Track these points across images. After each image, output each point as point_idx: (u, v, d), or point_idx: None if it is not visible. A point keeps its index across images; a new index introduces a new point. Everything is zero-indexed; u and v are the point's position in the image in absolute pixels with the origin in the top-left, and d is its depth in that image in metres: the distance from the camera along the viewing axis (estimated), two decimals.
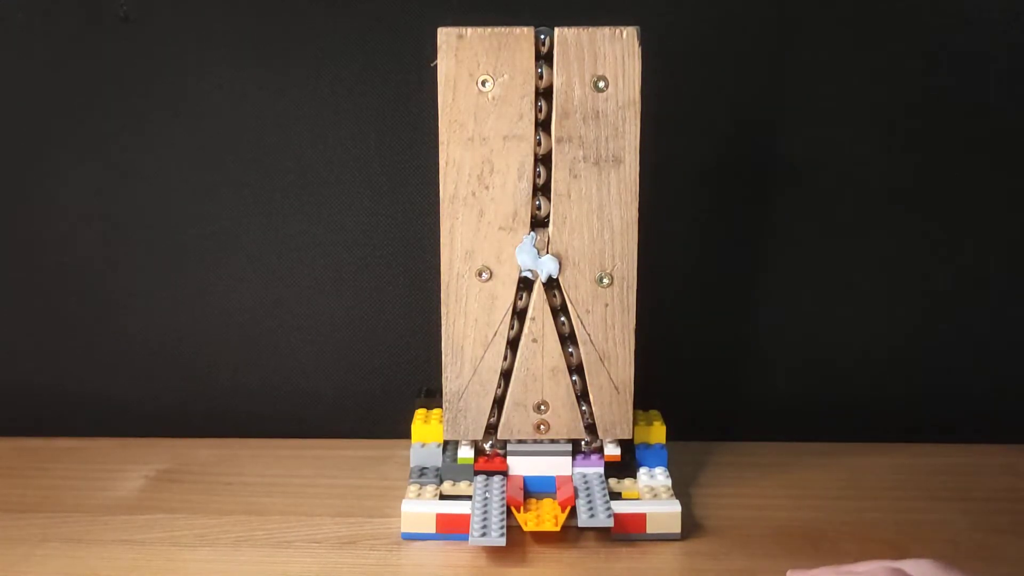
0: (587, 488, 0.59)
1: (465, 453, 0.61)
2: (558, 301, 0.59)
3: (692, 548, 0.57)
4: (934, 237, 0.71)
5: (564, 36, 0.55)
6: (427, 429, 0.62)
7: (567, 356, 0.59)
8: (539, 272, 0.58)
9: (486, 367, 0.59)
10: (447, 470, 0.61)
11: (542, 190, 0.57)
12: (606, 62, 0.56)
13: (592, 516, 0.56)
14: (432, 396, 0.65)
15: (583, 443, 0.62)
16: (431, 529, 0.58)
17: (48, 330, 0.73)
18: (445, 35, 0.55)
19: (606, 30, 0.55)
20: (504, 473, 0.61)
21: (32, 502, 0.62)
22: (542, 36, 0.56)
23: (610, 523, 0.56)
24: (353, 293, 0.72)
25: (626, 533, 0.58)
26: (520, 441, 0.61)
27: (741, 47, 0.69)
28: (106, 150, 0.70)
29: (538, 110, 0.56)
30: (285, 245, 0.71)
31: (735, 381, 0.74)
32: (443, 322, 0.59)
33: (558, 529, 0.56)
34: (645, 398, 0.63)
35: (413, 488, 0.60)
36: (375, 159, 0.70)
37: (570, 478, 0.61)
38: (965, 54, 0.68)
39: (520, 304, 0.59)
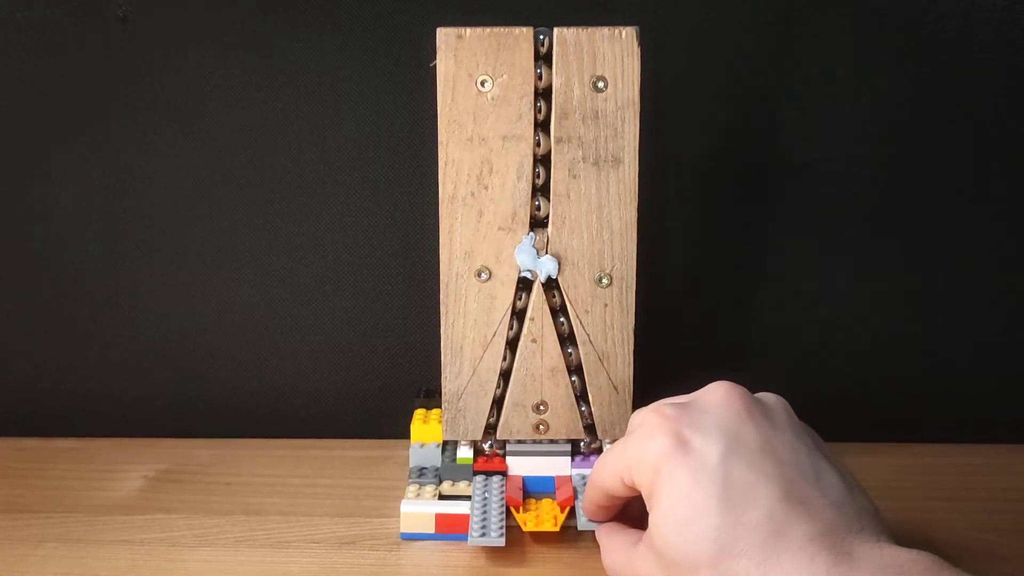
0: None
1: (464, 453, 0.61)
2: (557, 301, 0.59)
3: None
4: (935, 236, 0.71)
5: (563, 36, 0.55)
6: (426, 429, 0.62)
7: (566, 356, 0.59)
8: (538, 272, 0.58)
9: (485, 367, 0.59)
10: (446, 470, 0.61)
11: (541, 190, 0.57)
12: (605, 62, 0.56)
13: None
14: (431, 396, 0.65)
15: (582, 443, 0.62)
16: (430, 529, 0.58)
17: (47, 330, 0.73)
18: (444, 35, 0.55)
19: (605, 30, 0.55)
20: (503, 473, 0.61)
21: (31, 502, 0.62)
22: (541, 36, 0.56)
23: None
24: (353, 293, 0.72)
25: None
26: (519, 441, 0.61)
27: (741, 47, 0.68)
28: (104, 150, 0.70)
29: (537, 110, 0.56)
30: (285, 245, 0.71)
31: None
32: (442, 322, 0.59)
33: (557, 529, 0.56)
34: (645, 398, 0.63)
35: (412, 488, 0.60)
36: (374, 159, 0.70)
37: (569, 478, 0.61)
38: (966, 54, 0.68)
39: (519, 304, 0.59)
